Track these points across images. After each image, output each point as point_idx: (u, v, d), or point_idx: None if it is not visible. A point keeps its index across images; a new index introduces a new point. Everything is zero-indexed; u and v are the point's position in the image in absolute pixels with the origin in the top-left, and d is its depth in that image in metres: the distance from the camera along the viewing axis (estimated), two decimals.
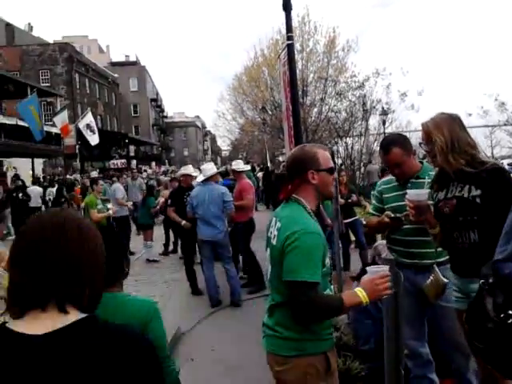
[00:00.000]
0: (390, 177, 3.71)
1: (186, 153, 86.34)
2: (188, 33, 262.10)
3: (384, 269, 2.32)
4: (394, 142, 3.42)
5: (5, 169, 19.75)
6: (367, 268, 2.38)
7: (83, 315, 1.20)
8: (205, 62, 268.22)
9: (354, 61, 34.18)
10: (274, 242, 2.44)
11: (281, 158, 37.88)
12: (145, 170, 35.20)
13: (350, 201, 8.64)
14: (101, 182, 10.45)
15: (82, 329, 1.17)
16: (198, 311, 6.79)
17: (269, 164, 26.83)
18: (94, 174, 13.81)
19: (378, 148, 3.72)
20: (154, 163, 51.70)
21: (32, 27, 57.33)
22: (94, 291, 1.27)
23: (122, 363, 1.16)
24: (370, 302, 2.26)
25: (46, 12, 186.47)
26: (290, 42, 5.97)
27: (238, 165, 8.27)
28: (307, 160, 2.48)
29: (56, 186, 16.46)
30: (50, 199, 15.73)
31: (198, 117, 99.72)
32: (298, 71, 6.16)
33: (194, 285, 7.71)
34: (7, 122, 21.53)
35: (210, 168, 7.21)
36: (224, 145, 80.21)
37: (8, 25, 43.20)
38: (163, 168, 45.86)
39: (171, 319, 6.29)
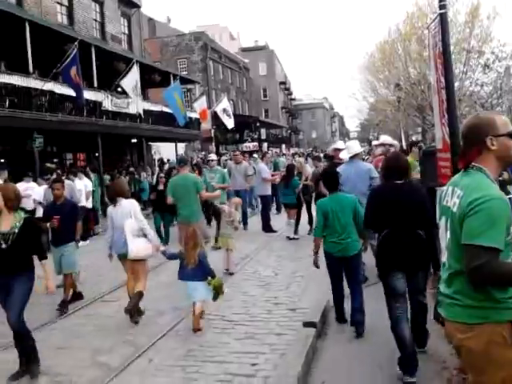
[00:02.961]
0: None
1: (314, 135, 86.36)
2: (315, 15, 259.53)
3: None
4: None
5: (153, 152, 21.49)
6: None
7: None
8: (332, 43, 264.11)
9: (502, 28, 31.29)
10: (454, 209, 2.42)
11: (414, 138, 36.21)
12: (276, 152, 35.89)
13: (500, 178, 8.08)
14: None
15: (406, 183, 4.53)
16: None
17: (403, 143, 25.83)
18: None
19: None
20: (283, 145, 52.56)
21: (170, 20, 61.08)
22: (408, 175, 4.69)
23: (422, 194, 4.64)
24: None
25: (182, 5, 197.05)
26: (442, 10, 5.69)
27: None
28: (485, 126, 2.43)
29: None
30: None
31: (325, 98, 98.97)
32: (440, 43, 5.84)
33: None
34: (154, 108, 23.35)
35: (355, 145, 7.27)
36: (353, 126, 78.80)
37: (150, 19, 46.43)
38: (292, 150, 46.44)
39: (319, 294, 6.49)
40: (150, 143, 22.40)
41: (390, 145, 7.71)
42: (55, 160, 19.70)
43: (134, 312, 5.99)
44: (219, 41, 57.57)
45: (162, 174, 12.42)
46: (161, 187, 11.40)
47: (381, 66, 29.32)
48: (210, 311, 6.29)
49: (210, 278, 5.71)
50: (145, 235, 6.18)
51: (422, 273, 4.47)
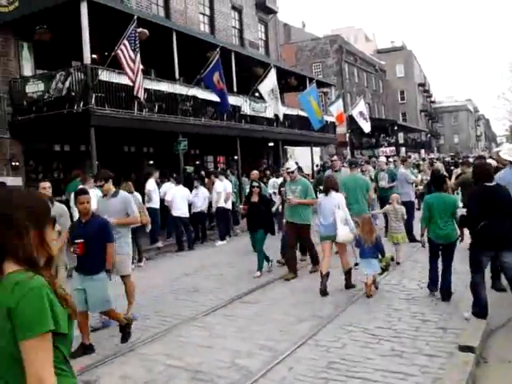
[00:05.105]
0: None
1: (456, 139, 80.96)
2: (458, 10, 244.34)
3: None
4: None
5: (288, 156, 21.58)
6: None
7: None
8: (478, 39, 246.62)
9: None
10: None
11: None
12: (409, 157, 34.17)
13: None
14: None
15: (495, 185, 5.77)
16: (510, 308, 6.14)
17: None
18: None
19: None
20: (422, 151, 49.96)
21: (305, 25, 61.50)
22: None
23: (508, 192, 5.69)
24: None
25: (317, 9, 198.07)
26: None
27: None
28: None
29: None
30: None
31: (469, 100, 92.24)
32: None
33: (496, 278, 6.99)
34: (290, 112, 23.45)
35: None
36: (501, 129, 72.45)
37: (285, 25, 47.10)
38: (433, 155, 43.89)
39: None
40: (285, 147, 22.50)
41: None
42: (197, 162, 20.70)
43: (326, 289, 7.14)
44: (354, 43, 56.56)
45: (255, 183, 9.46)
46: (254, 199, 9.01)
47: None
48: (350, 322, 5.95)
49: (380, 256, 7.19)
50: (347, 224, 7.40)
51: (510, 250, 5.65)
